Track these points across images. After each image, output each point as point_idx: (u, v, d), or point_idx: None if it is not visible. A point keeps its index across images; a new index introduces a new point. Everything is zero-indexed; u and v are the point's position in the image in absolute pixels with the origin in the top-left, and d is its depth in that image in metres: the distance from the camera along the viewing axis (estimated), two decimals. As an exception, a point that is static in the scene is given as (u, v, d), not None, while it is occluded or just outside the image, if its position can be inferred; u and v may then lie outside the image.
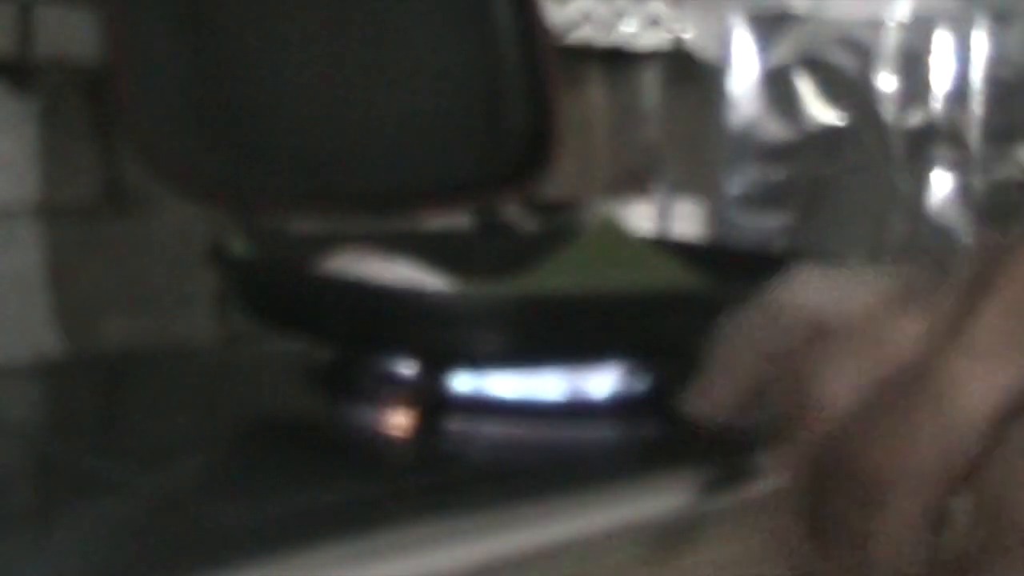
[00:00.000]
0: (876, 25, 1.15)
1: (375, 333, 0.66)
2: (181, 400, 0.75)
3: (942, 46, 1.12)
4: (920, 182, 1.15)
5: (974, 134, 1.12)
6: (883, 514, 0.31)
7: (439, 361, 0.66)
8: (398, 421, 0.69)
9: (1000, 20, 1.11)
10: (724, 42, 1.20)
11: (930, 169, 1.14)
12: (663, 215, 1.19)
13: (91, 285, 0.87)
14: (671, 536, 0.55)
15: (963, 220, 1.13)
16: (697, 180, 1.22)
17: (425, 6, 0.91)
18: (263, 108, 0.82)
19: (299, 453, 0.63)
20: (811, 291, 0.39)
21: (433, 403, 0.66)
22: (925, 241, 1.15)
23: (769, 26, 1.19)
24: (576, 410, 0.69)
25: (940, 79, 1.13)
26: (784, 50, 1.19)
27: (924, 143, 1.14)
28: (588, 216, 1.10)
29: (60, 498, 0.56)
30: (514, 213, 0.93)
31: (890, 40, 1.15)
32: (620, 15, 1.14)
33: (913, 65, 1.14)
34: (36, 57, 0.84)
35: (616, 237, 0.85)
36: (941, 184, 1.14)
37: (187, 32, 0.79)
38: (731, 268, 0.80)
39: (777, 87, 1.19)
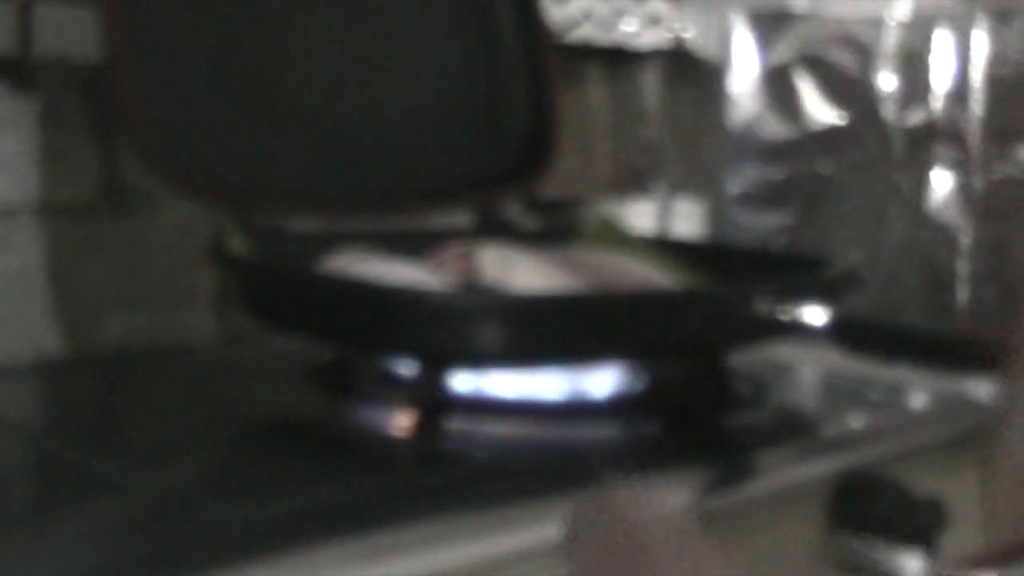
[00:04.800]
0: (876, 24, 1.15)
1: (375, 333, 0.66)
2: (181, 400, 0.75)
3: (942, 45, 1.12)
4: (920, 181, 1.15)
5: (974, 133, 1.12)
6: None
7: (439, 361, 0.66)
8: (398, 421, 0.69)
9: (1000, 20, 1.11)
10: (724, 41, 1.20)
11: (930, 168, 1.15)
12: (663, 215, 1.19)
13: (91, 284, 0.87)
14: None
15: (963, 219, 1.13)
16: (697, 179, 1.22)
17: (426, 6, 0.91)
18: (263, 107, 0.82)
19: (299, 453, 0.63)
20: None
21: (433, 403, 0.66)
22: (925, 240, 1.15)
23: (769, 25, 1.19)
24: (576, 410, 0.69)
25: (940, 78, 1.13)
26: (784, 49, 1.19)
27: (924, 142, 1.14)
28: (588, 216, 1.10)
29: (60, 498, 0.56)
30: (514, 213, 0.93)
31: (890, 39, 1.15)
32: (620, 14, 1.14)
33: (913, 64, 1.14)
34: (36, 56, 0.84)
35: (616, 237, 0.85)
36: (941, 183, 1.14)
37: (187, 32, 0.79)
38: (731, 267, 0.80)
39: (777, 86, 1.19)
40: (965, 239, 1.13)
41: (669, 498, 0.52)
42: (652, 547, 0.46)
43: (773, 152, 1.21)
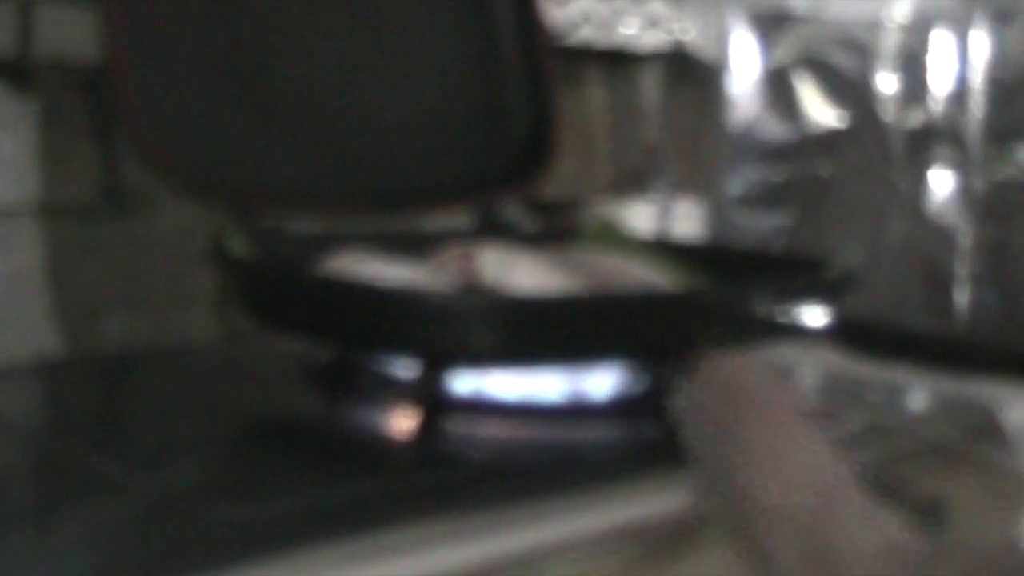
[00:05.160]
0: (876, 25, 1.15)
1: (375, 333, 0.66)
2: (181, 400, 0.75)
3: (942, 46, 1.13)
4: (919, 182, 1.15)
5: (973, 134, 1.12)
6: None
7: (439, 361, 0.66)
8: (398, 421, 0.69)
9: (1000, 20, 1.11)
10: (724, 42, 1.20)
11: (929, 169, 1.15)
12: (663, 215, 1.19)
13: (91, 285, 0.87)
14: (672, 537, 0.55)
15: (962, 220, 1.13)
16: (697, 180, 1.22)
17: (426, 6, 0.91)
18: (263, 108, 0.82)
19: (299, 453, 0.63)
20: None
21: (433, 403, 0.66)
22: (925, 241, 1.15)
23: (769, 26, 1.19)
24: (576, 410, 0.69)
25: (940, 79, 1.13)
26: (784, 50, 1.19)
27: (923, 143, 1.15)
28: (588, 217, 1.10)
29: (60, 498, 0.56)
30: (514, 213, 0.93)
31: (890, 40, 1.15)
32: (620, 16, 1.14)
33: (913, 65, 1.14)
34: (36, 57, 0.84)
35: (615, 238, 0.85)
36: (940, 184, 1.14)
37: (187, 32, 0.79)
38: (731, 268, 0.80)
39: (777, 87, 1.19)
40: (965, 240, 1.13)
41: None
42: (761, 410, 0.48)
43: (773, 153, 1.21)
